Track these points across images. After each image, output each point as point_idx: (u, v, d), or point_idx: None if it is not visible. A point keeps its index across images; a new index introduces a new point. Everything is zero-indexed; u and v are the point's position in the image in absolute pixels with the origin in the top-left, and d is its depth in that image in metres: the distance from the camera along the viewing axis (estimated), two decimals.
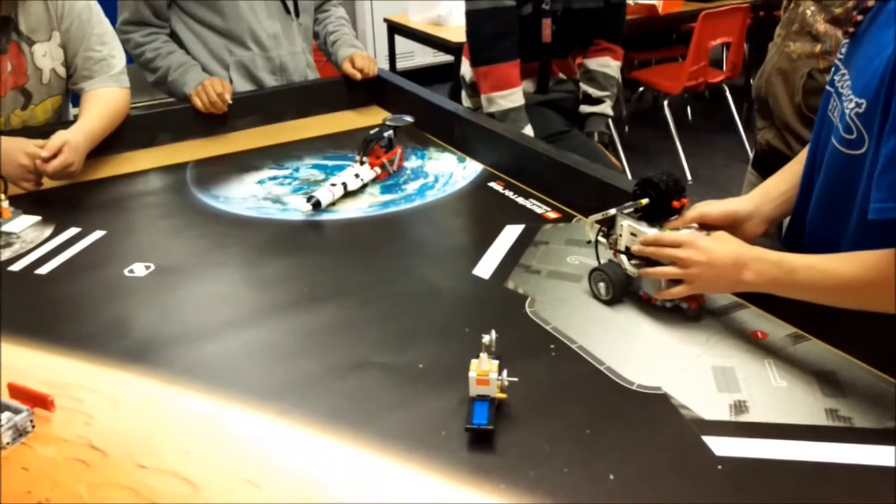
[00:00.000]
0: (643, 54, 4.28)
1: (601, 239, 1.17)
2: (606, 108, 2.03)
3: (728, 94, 3.94)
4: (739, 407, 0.93)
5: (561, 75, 2.01)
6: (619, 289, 1.14)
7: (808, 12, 1.32)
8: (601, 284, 1.15)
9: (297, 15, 2.03)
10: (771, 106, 1.39)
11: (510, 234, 1.36)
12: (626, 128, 4.25)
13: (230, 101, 1.85)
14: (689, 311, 1.11)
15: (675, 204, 1.09)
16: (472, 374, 0.92)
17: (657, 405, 0.94)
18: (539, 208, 1.46)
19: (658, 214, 1.10)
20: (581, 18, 1.89)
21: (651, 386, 0.97)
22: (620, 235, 1.13)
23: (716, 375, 0.99)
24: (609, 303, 1.15)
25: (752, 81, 4.23)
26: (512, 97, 1.83)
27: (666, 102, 3.81)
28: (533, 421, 0.93)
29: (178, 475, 0.87)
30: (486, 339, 0.93)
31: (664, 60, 4.40)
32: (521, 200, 1.50)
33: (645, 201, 1.10)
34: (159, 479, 0.86)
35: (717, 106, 4.28)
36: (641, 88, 4.43)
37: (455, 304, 1.18)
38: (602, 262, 1.17)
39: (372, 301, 1.20)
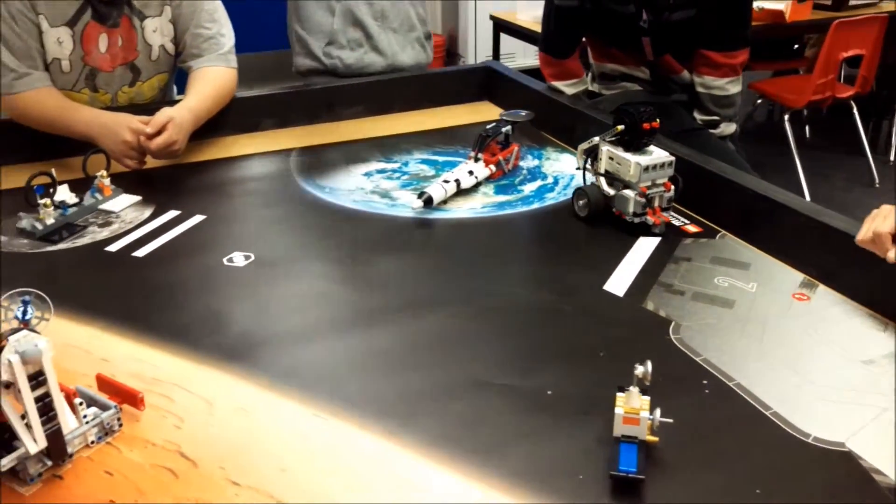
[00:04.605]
0: (760, 64, 4.01)
1: (588, 167, 1.30)
2: (725, 129, 1.81)
3: (855, 111, 3.63)
4: None
5: (685, 74, 1.81)
6: (596, 207, 1.27)
7: None
8: (581, 202, 1.30)
9: None
10: None
11: (644, 246, 1.21)
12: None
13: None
14: (654, 228, 1.23)
15: (646, 126, 1.20)
16: (620, 410, 0.78)
17: (841, 466, 0.78)
18: (676, 220, 1.30)
19: (634, 140, 1.22)
20: (674, 31, 1.70)
21: (831, 441, 0.81)
22: (600, 160, 1.27)
23: None
24: (586, 219, 1.29)
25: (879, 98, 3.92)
26: (577, 85, 1.82)
27: (787, 117, 3.54)
28: (688, 472, 0.78)
29: (274, 497, 0.76)
30: (639, 370, 0.78)
31: (782, 73, 4.13)
32: None
33: (620, 128, 1.22)
34: (253, 499, 0.75)
35: (837, 123, 3.98)
36: (759, 100, 4.16)
37: (585, 323, 1.04)
38: (587, 184, 1.30)
39: (489, 312, 1.07)
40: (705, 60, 1.74)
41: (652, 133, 1.23)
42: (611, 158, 1.25)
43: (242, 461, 0.80)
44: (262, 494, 0.76)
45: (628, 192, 1.23)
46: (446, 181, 1.39)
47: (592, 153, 1.29)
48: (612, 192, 1.26)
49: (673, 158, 1.23)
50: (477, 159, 1.47)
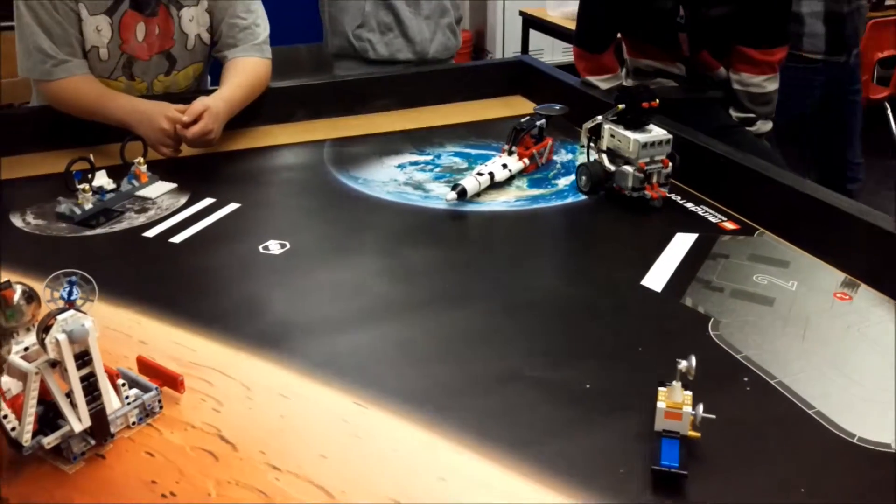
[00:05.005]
0: None
1: (592, 145, 1.35)
2: (761, 126, 1.79)
3: (889, 112, 3.58)
4: None
5: (721, 70, 1.79)
6: (596, 181, 1.34)
7: None
8: (583, 177, 1.37)
9: None
10: None
11: (682, 242, 1.20)
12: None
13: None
14: (652, 202, 1.29)
15: (644, 105, 1.26)
16: (662, 404, 0.77)
17: (888, 467, 0.77)
18: (713, 217, 1.29)
19: (634, 119, 1.29)
20: (712, 27, 1.68)
21: (877, 442, 0.80)
22: (602, 137, 1.33)
23: None
24: (587, 193, 1.37)
25: None
26: (611, 80, 1.82)
27: None
28: (731, 469, 0.77)
29: (314, 483, 0.76)
30: (682, 364, 0.77)
31: None
32: (690, 206, 1.33)
33: (621, 107, 1.28)
34: (293, 484, 0.76)
35: (870, 125, 3.91)
36: None
37: (622, 318, 1.03)
38: (590, 160, 1.36)
39: (524, 305, 1.06)
40: (743, 57, 1.72)
41: (651, 112, 1.28)
42: (612, 136, 1.31)
43: (282, 446, 0.81)
44: (302, 479, 0.76)
45: (627, 168, 1.29)
46: (480, 174, 1.39)
47: (596, 131, 1.35)
48: (612, 167, 1.32)
49: (671, 136, 1.29)
50: (511, 153, 1.46)
